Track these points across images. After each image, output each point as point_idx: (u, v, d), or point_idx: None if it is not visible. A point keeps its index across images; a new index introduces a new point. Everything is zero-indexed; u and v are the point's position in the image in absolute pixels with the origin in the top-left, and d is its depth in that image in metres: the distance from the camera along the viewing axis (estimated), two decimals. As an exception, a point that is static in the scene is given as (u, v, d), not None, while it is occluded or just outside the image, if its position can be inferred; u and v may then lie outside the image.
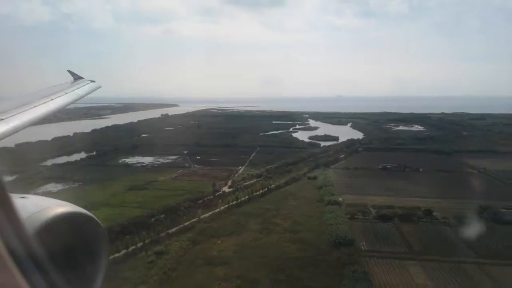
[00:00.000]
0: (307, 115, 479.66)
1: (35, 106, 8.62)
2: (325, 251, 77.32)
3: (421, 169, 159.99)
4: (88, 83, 14.58)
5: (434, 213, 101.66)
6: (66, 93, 11.51)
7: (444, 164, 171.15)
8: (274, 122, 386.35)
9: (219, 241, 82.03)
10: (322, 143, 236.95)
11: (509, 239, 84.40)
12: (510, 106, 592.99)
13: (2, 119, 6.86)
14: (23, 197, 4.31)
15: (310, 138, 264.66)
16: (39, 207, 3.88)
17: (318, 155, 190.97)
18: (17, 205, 2.84)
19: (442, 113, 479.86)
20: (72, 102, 11.45)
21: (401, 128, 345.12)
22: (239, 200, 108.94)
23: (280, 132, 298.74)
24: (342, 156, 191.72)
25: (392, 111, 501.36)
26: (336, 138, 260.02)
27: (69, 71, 15.89)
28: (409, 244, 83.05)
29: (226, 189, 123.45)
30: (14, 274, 2.52)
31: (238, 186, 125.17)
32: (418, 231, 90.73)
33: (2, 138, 6.29)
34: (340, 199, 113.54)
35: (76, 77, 15.36)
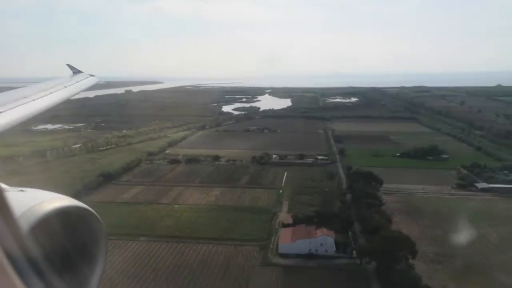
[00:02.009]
0: (269, 90, 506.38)
1: (33, 100, 8.60)
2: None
3: (278, 131, 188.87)
4: (87, 77, 14.78)
5: (221, 158, 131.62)
6: (65, 87, 11.60)
7: (311, 127, 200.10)
8: (226, 96, 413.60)
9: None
10: (236, 113, 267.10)
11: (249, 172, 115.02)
12: (481, 80, 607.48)
13: (0, 113, 6.82)
14: (22, 190, 4.24)
15: (234, 109, 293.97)
16: (37, 200, 3.79)
17: (216, 121, 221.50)
18: (15, 198, 2.94)
19: (402, 87, 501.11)
20: (71, 96, 11.47)
21: (336, 100, 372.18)
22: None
23: (215, 105, 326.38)
24: (231, 122, 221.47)
25: (368, 85, 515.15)
26: (257, 109, 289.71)
27: (68, 65, 16.10)
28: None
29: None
30: (9, 274, 2.45)
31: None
32: (198, 169, 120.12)
33: (1, 131, 6.23)
34: (168, 151, 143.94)
35: (75, 71, 15.61)
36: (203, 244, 68.64)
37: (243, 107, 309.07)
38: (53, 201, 3.91)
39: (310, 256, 64.69)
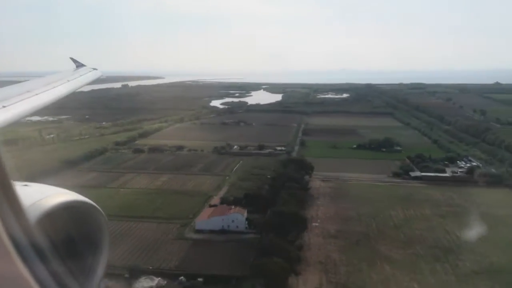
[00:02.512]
0: (265, 86, 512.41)
1: (37, 94, 8.59)
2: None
3: (253, 124, 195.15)
4: (90, 71, 14.83)
5: (185, 148, 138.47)
6: (68, 81, 11.65)
7: (287, 121, 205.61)
8: (220, 91, 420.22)
9: None
10: (221, 107, 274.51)
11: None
12: (487, 77, 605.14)
13: (4, 107, 6.84)
14: (26, 185, 4.29)
15: (221, 103, 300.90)
16: (41, 195, 3.84)
17: (197, 114, 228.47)
18: (19, 193, 2.89)
19: (399, 84, 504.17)
20: (75, 90, 11.52)
21: (327, 96, 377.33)
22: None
23: (205, 99, 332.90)
24: (212, 115, 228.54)
25: (368, 82, 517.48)
26: (244, 104, 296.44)
27: (72, 59, 16.14)
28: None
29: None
30: (16, 263, 2.51)
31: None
32: (159, 158, 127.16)
33: (4, 125, 6.27)
34: (137, 141, 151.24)
35: (79, 65, 15.66)
36: (129, 222, 75.33)
37: (232, 101, 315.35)
38: (58, 195, 3.97)
39: (222, 231, 71.16)
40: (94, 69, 15.61)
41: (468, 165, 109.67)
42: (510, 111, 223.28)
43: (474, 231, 69.06)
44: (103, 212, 4.51)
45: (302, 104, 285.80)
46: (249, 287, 48.86)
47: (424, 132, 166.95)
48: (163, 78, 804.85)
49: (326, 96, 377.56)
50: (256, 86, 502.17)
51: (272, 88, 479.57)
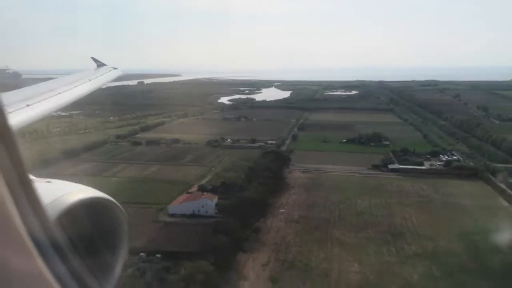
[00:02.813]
0: (278, 83, 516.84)
1: (59, 93, 8.91)
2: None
3: (254, 119, 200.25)
4: (110, 70, 15.13)
5: (181, 141, 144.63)
6: (89, 80, 12.05)
7: (287, 117, 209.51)
8: (232, 88, 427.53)
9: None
10: (228, 103, 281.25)
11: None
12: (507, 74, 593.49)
13: (28, 105, 7.01)
14: (48, 181, 4.39)
15: (229, 100, 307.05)
16: (63, 191, 3.91)
17: (202, 110, 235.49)
18: (42, 189, 2.89)
19: (412, 81, 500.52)
20: (96, 89, 11.88)
21: (336, 93, 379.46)
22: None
23: (215, 96, 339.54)
24: (216, 111, 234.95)
25: (385, 79, 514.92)
26: (251, 100, 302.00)
27: (93, 58, 16.34)
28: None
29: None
30: (36, 261, 2.51)
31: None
32: (154, 150, 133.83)
33: (29, 123, 6.48)
34: (138, 135, 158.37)
35: (100, 64, 15.91)
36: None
37: (240, 98, 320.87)
38: (79, 192, 4.07)
39: (193, 215, 76.67)
40: (115, 68, 15.95)
41: (449, 158, 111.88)
42: None
43: (431, 219, 72.86)
44: (123, 210, 4.56)
45: (307, 100, 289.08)
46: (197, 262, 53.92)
47: (419, 128, 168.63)
48: (180, 75, 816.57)
49: (335, 93, 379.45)
50: (268, 84, 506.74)
51: (283, 85, 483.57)
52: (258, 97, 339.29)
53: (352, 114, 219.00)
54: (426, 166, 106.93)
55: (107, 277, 4.21)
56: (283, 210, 78.99)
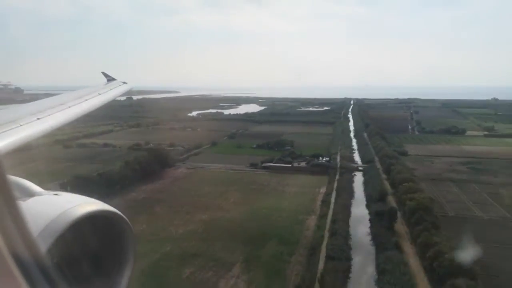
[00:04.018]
0: (262, 100, 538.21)
1: (69, 107, 9.03)
2: None
3: (198, 129, 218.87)
4: (120, 85, 15.39)
5: (110, 145, 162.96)
6: (99, 94, 12.11)
7: (232, 128, 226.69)
8: (214, 103, 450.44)
9: None
10: (191, 116, 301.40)
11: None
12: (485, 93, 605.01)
13: (39, 119, 7.18)
14: (56, 194, 4.40)
15: (197, 114, 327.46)
16: (71, 204, 3.94)
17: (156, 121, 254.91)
18: (49, 201, 3.09)
19: (396, 99, 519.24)
20: (105, 103, 11.93)
21: (309, 109, 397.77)
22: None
23: (188, 110, 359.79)
24: (172, 123, 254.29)
25: (370, 97, 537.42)
26: (221, 113, 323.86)
27: (103, 73, 16.75)
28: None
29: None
30: (16, 277, 2.39)
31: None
32: (80, 151, 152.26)
33: (38, 137, 6.56)
34: (79, 141, 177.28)
35: (110, 79, 16.28)
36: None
37: (210, 112, 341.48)
38: (86, 205, 4.10)
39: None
40: (124, 83, 16.03)
41: (319, 160, 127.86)
42: (455, 122, 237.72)
43: (245, 199, 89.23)
44: (130, 223, 4.57)
45: (268, 114, 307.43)
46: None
47: (338, 138, 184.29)
48: (178, 92, 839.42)
49: (307, 109, 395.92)
50: (254, 100, 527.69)
51: (266, 101, 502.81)
52: (230, 111, 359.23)
53: (295, 126, 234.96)
54: (294, 164, 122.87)
55: None
56: (134, 193, 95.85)
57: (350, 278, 56.02)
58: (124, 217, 4.49)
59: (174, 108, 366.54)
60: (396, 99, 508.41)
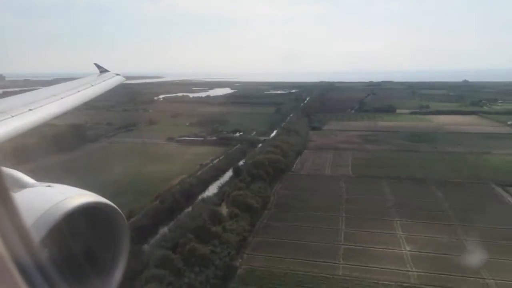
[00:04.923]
0: (238, 84, 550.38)
1: (62, 98, 9.01)
2: None
3: (150, 110, 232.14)
4: (113, 77, 15.35)
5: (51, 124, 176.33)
6: (92, 86, 12.09)
7: (184, 110, 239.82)
8: (186, 88, 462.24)
9: None
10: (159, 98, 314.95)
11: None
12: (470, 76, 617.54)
13: (31, 110, 7.09)
14: (49, 186, 4.38)
15: (163, 97, 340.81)
16: (64, 196, 3.91)
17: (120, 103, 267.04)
18: (42, 193, 3.05)
19: (370, 81, 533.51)
20: (98, 94, 11.97)
21: (275, 92, 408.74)
22: None
23: (156, 94, 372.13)
24: (130, 105, 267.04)
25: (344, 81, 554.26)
26: (187, 97, 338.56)
27: (96, 64, 16.62)
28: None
29: None
30: (14, 277, 2.38)
31: None
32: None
33: (31, 127, 6.51)
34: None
35: (102, 70, 16.18)
36: None
37: (176, 96, 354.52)
38: (79, 197, 4.09)
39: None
40: (117, 74, 16.04)
41: (229, 134, 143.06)
42: (399, 102, 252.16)
43: (143, 165, 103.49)
44: (123, 215, 4.59)
45: (231, 97, 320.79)
46: None
47: (273, 118, 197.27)
48: (163, 78, 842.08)
49: (275, 92, 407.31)
50: (229, 84, 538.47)
51: (240, 86, 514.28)
52: (201, 95, 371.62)
53: (242, 107, 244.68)
54: (207, 138, 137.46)
55: (106, 283, 4.30)
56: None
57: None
58: (117, 208, 4.54)
59: (143, 93, 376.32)
60: (370, 82, 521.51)
